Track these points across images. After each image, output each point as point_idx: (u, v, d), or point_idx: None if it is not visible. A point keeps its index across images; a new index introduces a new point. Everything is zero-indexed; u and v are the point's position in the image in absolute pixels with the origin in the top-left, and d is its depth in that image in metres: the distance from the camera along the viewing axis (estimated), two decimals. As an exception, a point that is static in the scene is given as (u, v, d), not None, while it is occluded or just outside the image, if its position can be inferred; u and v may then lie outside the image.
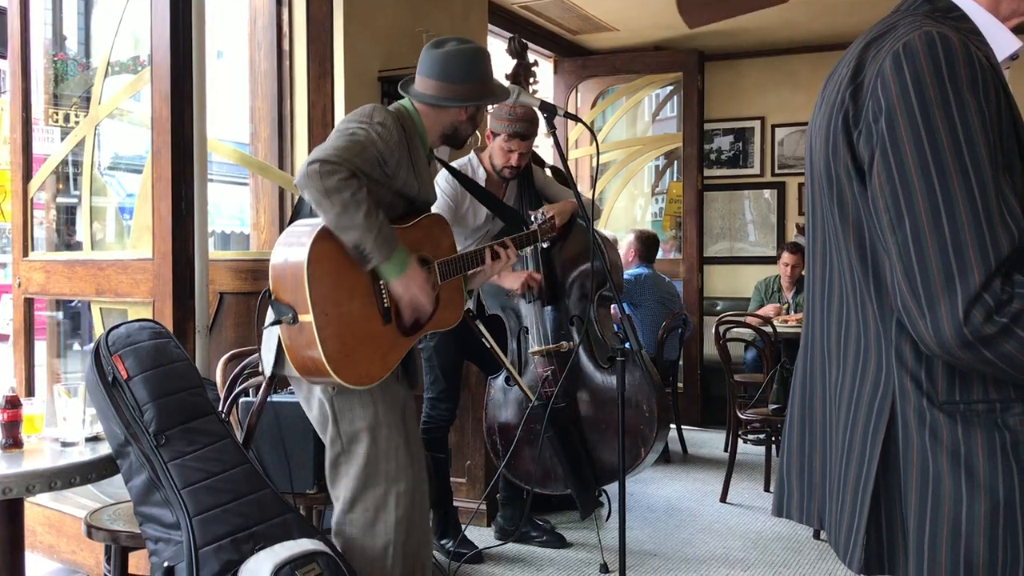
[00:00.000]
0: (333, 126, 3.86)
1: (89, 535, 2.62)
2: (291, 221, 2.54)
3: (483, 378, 3.87)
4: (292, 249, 2.36)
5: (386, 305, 2.43)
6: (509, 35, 5.89)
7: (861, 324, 1.28)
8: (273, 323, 2.36)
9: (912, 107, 1.15)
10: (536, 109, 3.19)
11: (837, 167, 1.26)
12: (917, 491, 1.20)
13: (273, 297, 2.37)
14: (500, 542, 3.87)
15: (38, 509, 3.63)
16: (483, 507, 4.05)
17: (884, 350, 1.24)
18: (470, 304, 3.73)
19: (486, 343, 3.42)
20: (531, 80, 3.75)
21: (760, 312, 5.90)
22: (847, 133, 1.23)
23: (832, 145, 1.26)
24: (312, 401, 2.50)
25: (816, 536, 4.04)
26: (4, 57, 6.11)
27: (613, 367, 3.49)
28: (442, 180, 3.48)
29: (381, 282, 2.42)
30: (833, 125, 1.26)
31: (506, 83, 3.66)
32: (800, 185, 7.15)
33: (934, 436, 1.18)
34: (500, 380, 3.73)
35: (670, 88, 7.53)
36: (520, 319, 3.72)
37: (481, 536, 3.89)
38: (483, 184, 3.57)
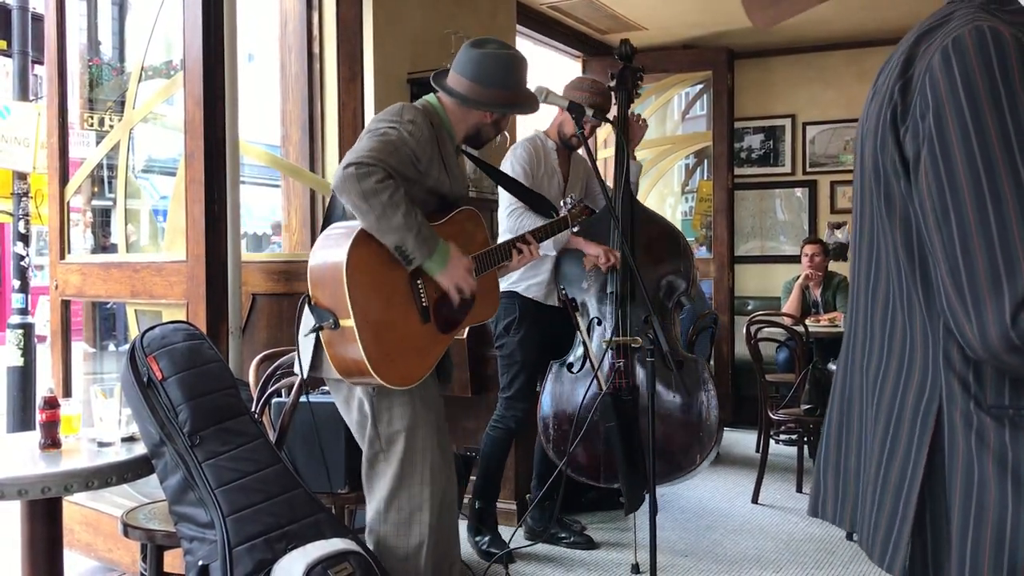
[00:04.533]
0: (363, 128, 3.89)
1: (125, 534, 2.65)
2: (324, 223, 2.56)
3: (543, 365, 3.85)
4: (330, 253, 2.37)
5: (424, 304, 2.45)
6: (537, 35, 5.95)
7: (907, 323, 1.25)
8: (314, 329, 2.36)
9: (961, 104, 1.11)
10: (565, 108, 3.20)
11: (885, 162, 1.23)
12: (961, 496, 1.17)
13: (312, 302, 2.38)
14: (529, 543, 3.88)
15: (76, 508, 3.68)
16: (513, 507, 4.06)
17: (931, 351, 1.21)
18: (580, 294, 3.74)
19: (580, 335, 3.52)
20: (639, 84, 3.89)
21: (789, 305, 5.84)
22: (895, 128, 1.20)
23: (880, 140, 1.23)
24: (352, 403, 2.51)
25: (849, 537, 4.00)
26: (41, 63, 6.21)
27: (682, 371, 3.50)
28: (514, 160, 3.62)
29: (418, 281, 2.44)
30: (882, 120, 1.23)
31: (611, 81, 3.85)
32: (832, 183, 7.08)
33: (981, 440, 1.15)
34: (563, 365, 3.70)
35: (699, 86, 7.48)
36: (592, 309, 3.68)
37: (511, 536, 3.89)
38: (555, 156, 3.76)
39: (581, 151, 3.75)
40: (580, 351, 3.67)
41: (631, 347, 3.57)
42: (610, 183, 3.91)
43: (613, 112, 3.78)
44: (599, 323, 3.65)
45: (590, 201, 3.82)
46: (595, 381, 3.53)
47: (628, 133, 3.68)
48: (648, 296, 3.10)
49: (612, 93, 3.78)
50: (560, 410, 3.69)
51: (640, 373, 3.58)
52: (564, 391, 3.69)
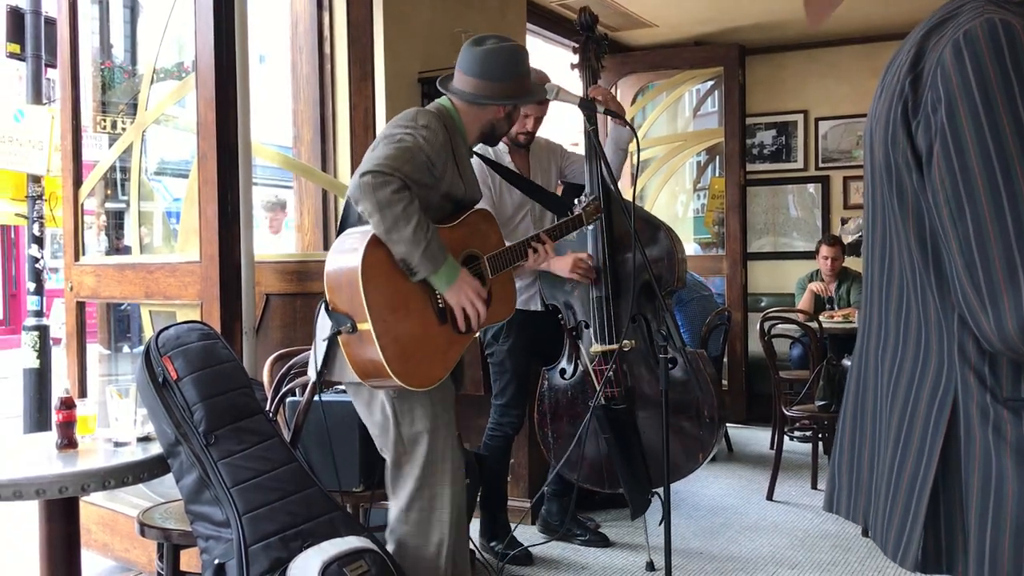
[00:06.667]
0: (375, 128, 3.89)
1: (142, 533, 2.67)
2: (340, 228, 2.56)
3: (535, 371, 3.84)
4: (345, 258, 2.38)
5: (440, 305, 2.45)
6: (546, 33, 5.94)
7: (922, 317, 1.25)
8: (333, 335, 2.37)
9: (973, 97, 1.11)
10: (576, 105, 3.19)
11: (896, 157, 1.23)
12: (979, 489, 1.16)
13: (330, 307, 2.39)
14: (544, 538, 3.87)
15: (92, 508, 3.70)
16: (527, 505, 4.06)
17: (946, 344, 1.21)
18: (565, 296, 3.67)
19: (575, 352, 3.45)
20: (603, 56, 3.68)
21: (803, 302, 5.84)
22: (906, 123, 1.20)
23: (891, 134, 1.23)
24: (374, 406, 2.51)
25: (865, 534, 3.99)
26: (54, 66, 6.24)
27: (675, 368, 3.45)
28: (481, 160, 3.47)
29: None
30: (893, 114, 1.22)
31: (575, 58, 3.70)
32: (845, 178, 7.05)
33: (998, 433, 1.15)
34: (555, 372, 3.70)
35: (711, 83, 7.46)
36: (579, 313, 3.62)
37: (525, 535, 3.89)
38: (509, 159, 3.62)
39: (587, 132, 3.54)
40: (571, 361, 3.66)
41: (622, 351, 3.51)
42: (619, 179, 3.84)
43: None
44: (587, 327, 3.60)
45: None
46: (591, 391, 3.51)
47: (595, 115, 3.28)
48: (633, 292, 3.04)
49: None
50: (557, 419, 3.68)
51: (633, 377, 3.56)
52: (559, 399, 3.68)
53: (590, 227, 3.27)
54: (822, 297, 5.94)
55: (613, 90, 7.11)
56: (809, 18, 1.47)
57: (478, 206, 2.71)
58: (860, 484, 1.38)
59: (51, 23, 6.44)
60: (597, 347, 3.54)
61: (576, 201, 3.10)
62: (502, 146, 3.61)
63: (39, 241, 6.86)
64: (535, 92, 2.74)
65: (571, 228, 3.02)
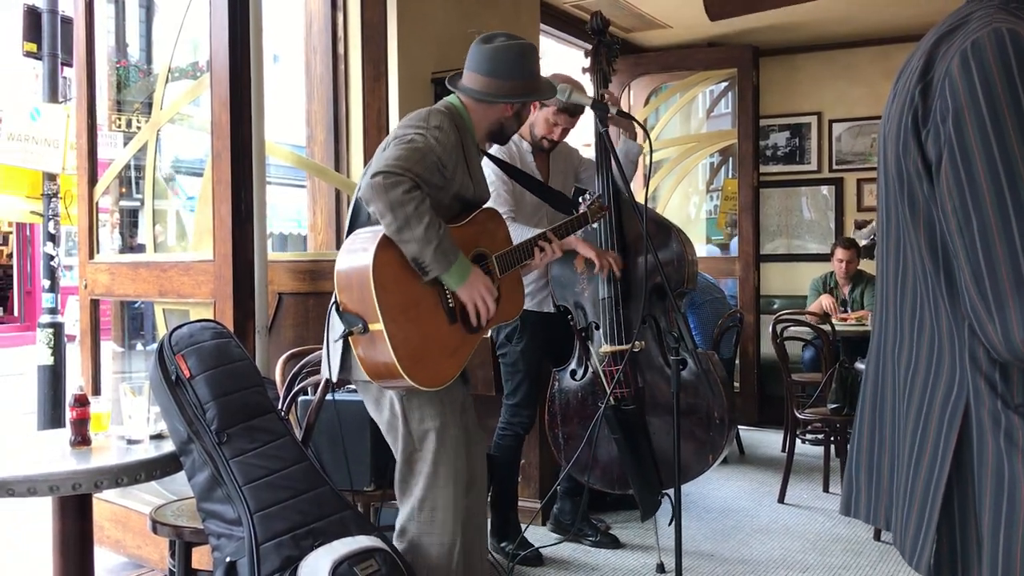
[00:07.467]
0: (388, 128, 3.90)
1: (154, 530, 2.68)
2: (349, 228, 2.56)
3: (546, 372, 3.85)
4: (356, 258, 2.37)
5: (451, 305, 2.45)
6: (560, 34, 5.94)
7: (935, 324, 1.25)
8: (344, 335, 2.37)
9: (980, 108, 1.12)
10: (588, 107, 3.19)
11: (907, 164, 1.24)
12: (991, 495, 1.17)
13: (340, 307, 2.39)
14: (555, 539, 3.87)
15: (105, 505, 3.72)
16: (537, 506, 4.06)
17: (958, 351, 1.21)
18: (574, 298, 3.67)
19: (585, 355, 3.46)
20: (614, 60, 3.69)
21: (814, 307, 5.82)
22: (916, 132, 1.21)
23: (903, 142, 1.24)
24: (383, 403, 2.51)
25: (876, 538, 3.97)
26: (70, 65, 6.29)
27: (685, 369, 3.43)
28: (489, 170, 3.41)
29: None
30: (904, 122, 1.23)
31: (586, 62, 3.71)
32: (859, 181, 7.02)
33: (1009, 439, 1.15)
34: (565, 373, 3.71)
35: (724, 84, 7.45)
36: (589, 314, 3.63)
37: (536, 535, 3.89)
38: (531, 158, 3.64)
39: (598, 137, 3.58)
40: (581, 362, 3.66)
41: (632, 352, 3.50)
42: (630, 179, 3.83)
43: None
44: (597, 328, 3.60)
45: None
46: (601, 392, 3.51)
47: (607, 117, 3.31)
48: (645, 293, 3.03)
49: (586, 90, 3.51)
50: (567, 420, 3.67)
51: (643, 378, 3.55)
52: (569, 400, 3.67)
53: (594, 226, 3.27)
54: (836, 297, 5.93)
55: (626, 91, 7.11)
56: (708, 11, 1.48)
57: (490, 204, 2.70)
58: (880, 486, 1.38)
59: (67, 22, 6.49)
60: (607, 347, 3.55)
61: (580, 200, 3.09)
62: (526, 145, 3.64)
63: (54, 239, 6.91)
64: (544, 90, 2.70)
65: (576, 227, 3.02)
